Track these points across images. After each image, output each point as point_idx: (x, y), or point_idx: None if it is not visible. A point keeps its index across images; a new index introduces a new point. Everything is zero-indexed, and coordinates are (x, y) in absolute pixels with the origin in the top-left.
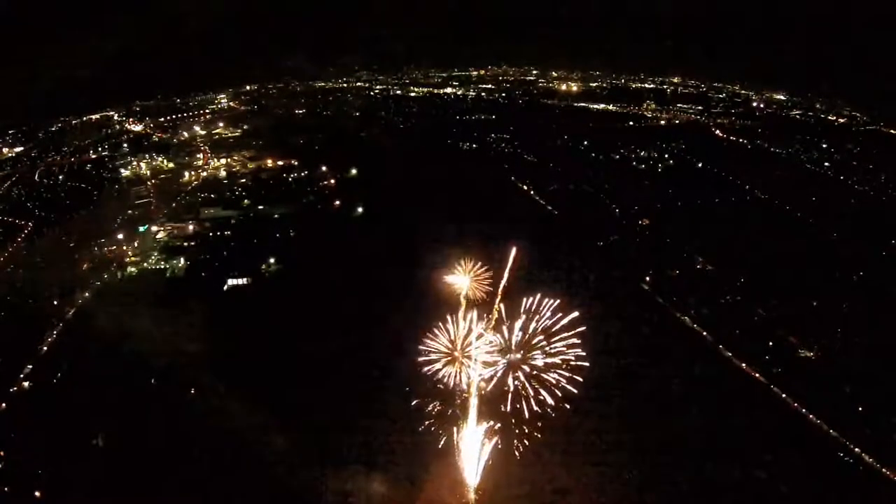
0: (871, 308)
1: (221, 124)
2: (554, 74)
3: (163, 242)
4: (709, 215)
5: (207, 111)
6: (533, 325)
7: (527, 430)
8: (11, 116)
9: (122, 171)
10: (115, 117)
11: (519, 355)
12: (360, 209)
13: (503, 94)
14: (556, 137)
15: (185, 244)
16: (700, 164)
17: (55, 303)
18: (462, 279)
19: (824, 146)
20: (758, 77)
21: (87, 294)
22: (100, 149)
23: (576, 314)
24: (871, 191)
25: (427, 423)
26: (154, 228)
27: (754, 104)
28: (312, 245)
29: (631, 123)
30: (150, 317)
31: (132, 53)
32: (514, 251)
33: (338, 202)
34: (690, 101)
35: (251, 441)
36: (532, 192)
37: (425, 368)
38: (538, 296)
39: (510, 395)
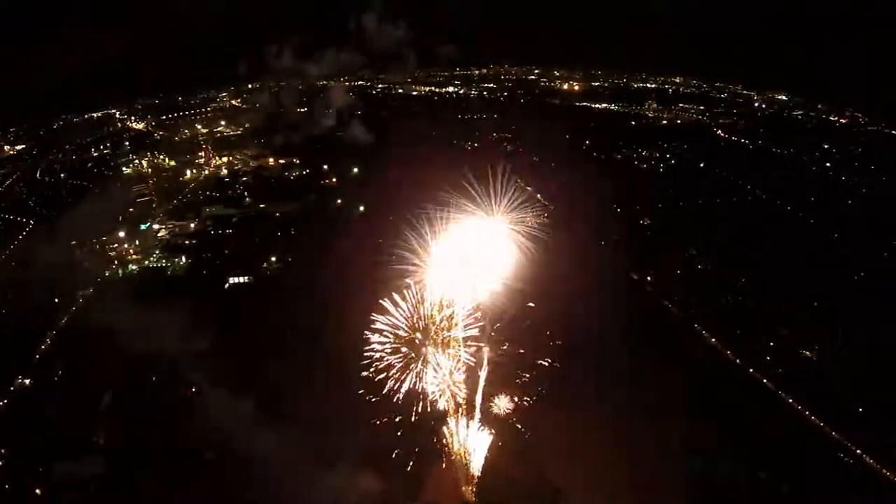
0: (871, 308)
1: (223, 122)
2: (556, 74)
3: (164, 240)
4: (710, 215)
5: (209, 109)
6: None
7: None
8: (13, 114)
9: (124, 168)
10: (117, 115)
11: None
12: (361, 208)
13: (505, 94)
14: (558, 137)
15: (187, 242)
16: (702, 164)
17: (56, 301)
18: None
19: (825, 146)
20: (759, 77)
21: (87, 292)
22: (101, 147)
23: None
24: (872, 191)
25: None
26: (155, 226)
27: (756, 104)
28: (314, 244)
29: (633, 123)
30: (150, 315)
31: (134, 51)
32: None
33: (339, 201)
34: (692, 100)
35: (251, 440)
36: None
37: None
38: None
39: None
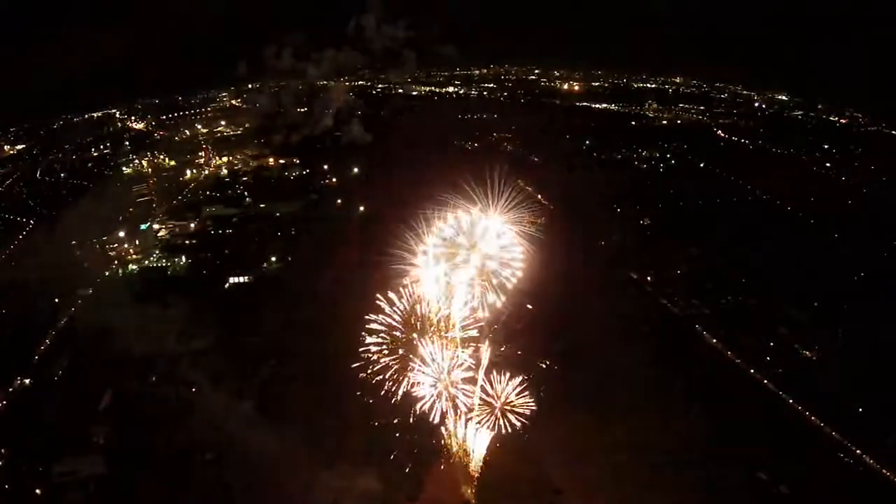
0: (871, 308)
1: (223, 122)
2: (556, 74)
3: (164, 240)
4: (709, 215)
5: (209, 109)
6: None
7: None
8: (13, 114)
9: (124, 168)
10: (117, 115)
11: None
12: (361, 208)
13: (505, 93)
14: (558, 137)
15: (187, 242)
16: (702, 164)
17: (56, 301)
18: None
19: (825, 146)
20: (759, 77)
21: (87, 292)
22: (101, 147)
23: None
24: (872, 191)
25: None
26: (156, 226)
27: (756, 104)
28: (314, 244)
29: (633, 123)
30: (150, 315)
31: (134, 51)
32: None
33: (339, 201)
34: (692, 101)
35: (251, 440)
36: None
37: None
38: None
39: None
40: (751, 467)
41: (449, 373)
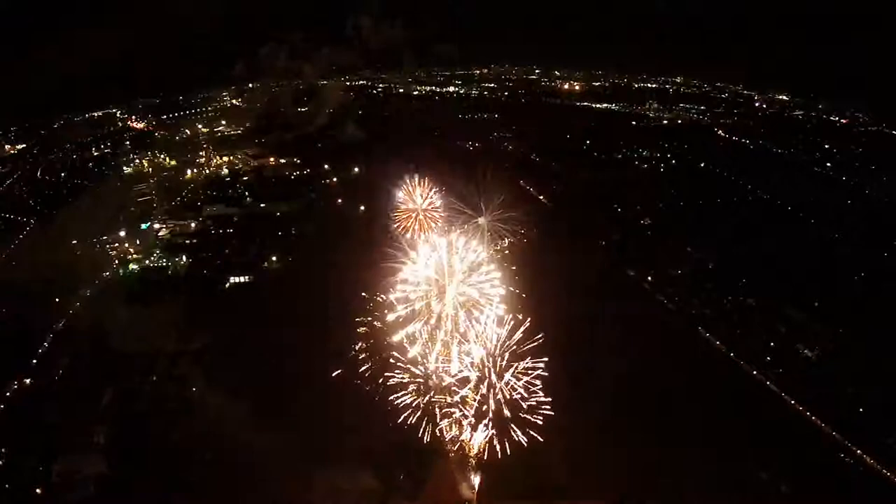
0: (872, 308)
1: (223, 122)
2: (557, 74)
3: (165, 240)
4: (710, 215)
5: (209, 109)
6: None
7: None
8: (13, 114)
9: (125, 168)
10: (118, 114)
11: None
12: (361, 208)
13: (506, 93)
14: (558, 137)
15: (188, 241)
16: (702, 164)
17: (56, 300)
18: None
19: (826, 146)
20: (759, 77)
21: (88, 291)
22: (102, 146)
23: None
24: (873, 191)
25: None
26: (156, 226)
27: (757, 104)
28: (314, 243)
29: (633, 123)
30: (151, 314)
31: (134, 51)
32: None
33: (339, 201)
34: (693, 101)
35: (250, 440)
36: (540, 194)
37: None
38: None
39: None
40: (751, 467)
41: (440, 377)
